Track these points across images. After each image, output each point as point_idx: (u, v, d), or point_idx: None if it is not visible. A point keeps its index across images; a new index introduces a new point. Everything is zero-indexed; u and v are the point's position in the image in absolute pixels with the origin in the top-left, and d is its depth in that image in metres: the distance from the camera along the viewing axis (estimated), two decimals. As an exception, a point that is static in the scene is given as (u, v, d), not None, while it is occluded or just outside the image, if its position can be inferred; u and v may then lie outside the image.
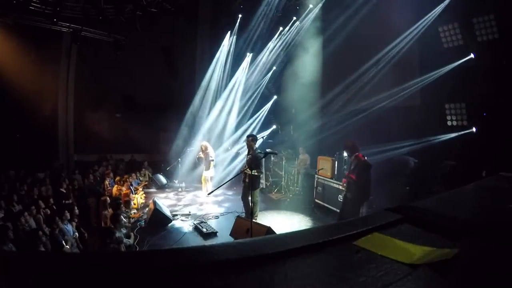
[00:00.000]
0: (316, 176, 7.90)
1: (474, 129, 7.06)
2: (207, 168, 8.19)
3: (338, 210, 6.52)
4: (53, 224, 4.87)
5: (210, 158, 8.17)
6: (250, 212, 5.26)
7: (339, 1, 8.81)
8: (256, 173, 6.03)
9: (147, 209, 6.98)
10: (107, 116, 11.26)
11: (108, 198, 6.49)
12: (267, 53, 10.91)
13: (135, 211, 7.13)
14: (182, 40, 11.63)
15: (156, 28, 9.71)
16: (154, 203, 6.54)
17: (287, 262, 0.63)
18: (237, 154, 10.31)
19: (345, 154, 7.04)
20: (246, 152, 6.79)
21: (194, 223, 6.48)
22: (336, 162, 7.38)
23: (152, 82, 11.49)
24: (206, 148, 8.26)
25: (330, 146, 8.45)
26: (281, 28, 10.48)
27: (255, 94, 11.43)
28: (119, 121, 11.67)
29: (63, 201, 6.69)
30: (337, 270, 0.63)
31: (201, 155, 8.26)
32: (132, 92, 11.99)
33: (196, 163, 9.36)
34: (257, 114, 11.36)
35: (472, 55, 6.95)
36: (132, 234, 5.54)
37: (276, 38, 10.62)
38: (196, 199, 8.66)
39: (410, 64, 8.10)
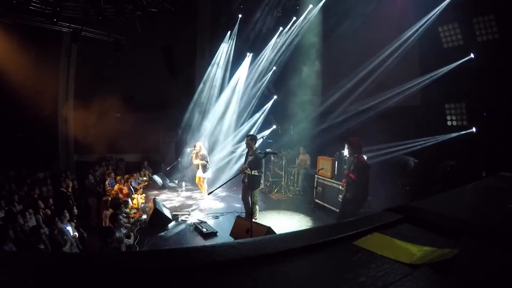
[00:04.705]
0: (316, 176, 7.90)
1: (474, 129, 7.06)
2: (204, 169, 8.19)
3: (338, 210, 6.51)
4: (52, 224, 4.87)
5: (205, 160, 8.18)
6: (250, 212, 5.26)
7: (339, 1, 8.80)
8: (256, 173, 6.02)
9: (147, 209, 6.98)
10: (107, 116, 11.27)
11: (109, 198, 6.50)
12: (267, 53, 10.91)
13: (135, 211, 7.13)
14: (182, 40, 11.63)
15: (156, 28, 9.71)
16: (154, 203, 6.54)
17: (287, 262, 0.63)
18: (236, 154, 10.31)
19: (345, 152, 7.03)
20: (245, 152, 6.80)
21: (194, 223, 6.48)
22: (336, 162, 7.38)
23: (152, 82, 11.49)
24: (200, 149, 8.26)
25: (330, 146, 8.44)
26: (281, 28, 10.48)
27: (255, 94, 11.43)
28: (119, 121, 11.67)
29: (63, 201, 6.69)
30: (337, 270, 0.63)
31: (194, 156, 8.23)
32: (132, 92, 11.99)
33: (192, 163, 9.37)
34: (257, 114, 11.36)
35: (472, 55, 6.94)
36: (132, 234, 5.54)
37: (276, 38, 10.63)
38: (196, 199, 8.66)
39: (410, 64, 8.10)
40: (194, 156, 8.24)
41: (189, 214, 7.14)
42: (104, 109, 11.19)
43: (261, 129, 11.03)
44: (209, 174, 8.33)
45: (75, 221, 5.65)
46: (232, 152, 10.32)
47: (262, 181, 7.64)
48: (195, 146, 8.38)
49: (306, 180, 9.12)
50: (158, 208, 6.40)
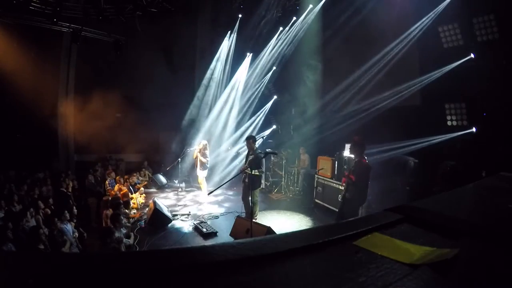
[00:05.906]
0: (316, 176, 7.91)
1: (474, 129, 7.06)
2: (202, 168, 8.19)
3: (337, 210, 6.50)
4: (52, 224, 4.86)
5: (206, 158, 8.18)
6: (250, 212, 5.26)
7: (339, 1, 8.81)
8: (257, 173, 6.03)
9: (147, 209, 6.98)
10: (107, 116, 11.25)
11: (109, 198, 6.50)
12: (267, 53, 10.91)
13: (135, 211, 7.13)
14: (182, 40, 11.63)
15: (156, 28, 9.70)
16: (154, 203, 6.54)
17: (287, 262, 0.63)
18: (237, 154, 10.31)
19: (345, 153, 7.03)
20: (246, 152, 6.80)
21: (194, 223, 6.48)
22: (336, 162, 7.38)
23: (152, 82, 11.48)
24: (205, 148, 8.25)
25: (330, 146, 8.45)
26: (281, 28, 10.49)
27: (255, 94, 11.43)
28: (119, 121, 11.65)
29: (63, 201, 6.69)
30: (337, 270, 0.63)
31: (197, 154, 8.23)
32: (132, 92, 11.97)
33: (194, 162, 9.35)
34: (257, 114, 11.36)
35: (472, 55, 6.94)
36: (132, 234, 5.54)
37: (276, 38, 10.63)
38: (196, 199, 8.66)
39: (410, 64, 8.10)
40: (196, 152, 8.23)
41: (189, 214, 7.14)
42: (104, 109, 11.16)
43: (261, 129, 11.03)
44: (205, 173, 8.33)
45: (75, 221, 5.65)
46: (237, 154, 10.32)
47: (262, 181, 7.64)
48: (200, 143, 8.38)
49: (306, 180, 9.12)
50: (158, 208, 6.40)
